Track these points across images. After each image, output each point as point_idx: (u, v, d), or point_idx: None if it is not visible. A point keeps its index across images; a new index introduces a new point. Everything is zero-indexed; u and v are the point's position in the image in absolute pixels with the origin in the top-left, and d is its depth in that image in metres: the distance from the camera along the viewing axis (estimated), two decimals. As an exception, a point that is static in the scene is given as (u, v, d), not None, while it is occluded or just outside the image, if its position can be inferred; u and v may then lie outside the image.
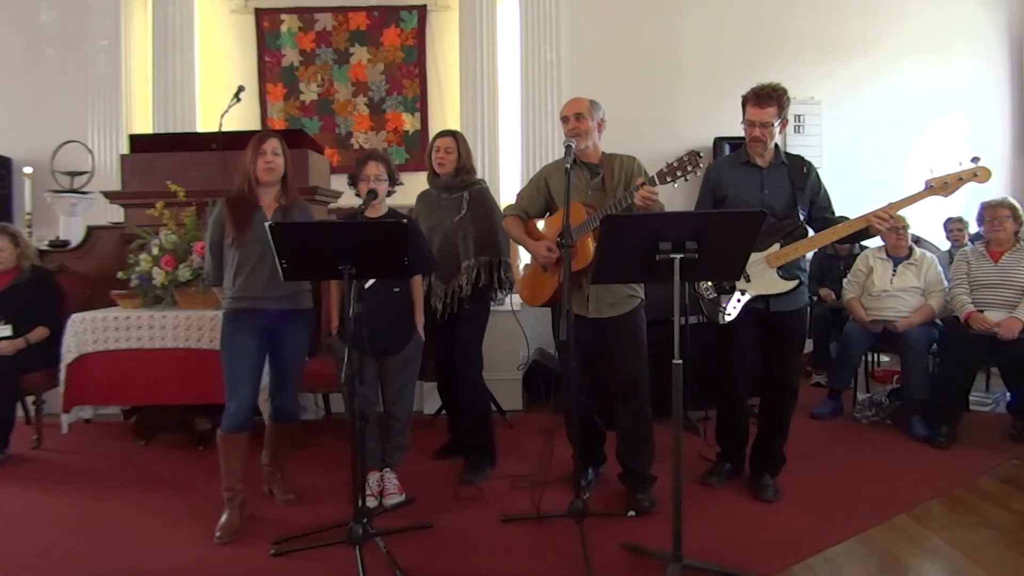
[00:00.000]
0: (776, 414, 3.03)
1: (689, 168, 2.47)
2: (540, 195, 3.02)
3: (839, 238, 2.82)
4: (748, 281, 2.82)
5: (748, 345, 2.97)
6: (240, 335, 2.72)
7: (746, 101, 2.88)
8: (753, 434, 3.15)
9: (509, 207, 3.10)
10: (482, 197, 3.33)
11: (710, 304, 2.92)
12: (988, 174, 2.59)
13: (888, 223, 2.69)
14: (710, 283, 2.89)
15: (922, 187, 2.68)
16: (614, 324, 2.86)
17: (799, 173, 2.92)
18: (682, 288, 2.29)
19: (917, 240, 4.82)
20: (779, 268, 2.84)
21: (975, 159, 2.61)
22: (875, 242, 4.39)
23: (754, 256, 2.75)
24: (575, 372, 2.67)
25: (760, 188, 2.90)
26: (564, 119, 2.91)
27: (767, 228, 2.72)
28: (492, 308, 3.42)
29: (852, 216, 2.80)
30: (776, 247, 2.84)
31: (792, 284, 2.85)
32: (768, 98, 2.81)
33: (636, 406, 2.89)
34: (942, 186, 2.64)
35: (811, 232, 2.93)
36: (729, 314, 2.85)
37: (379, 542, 2.46)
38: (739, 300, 2.85)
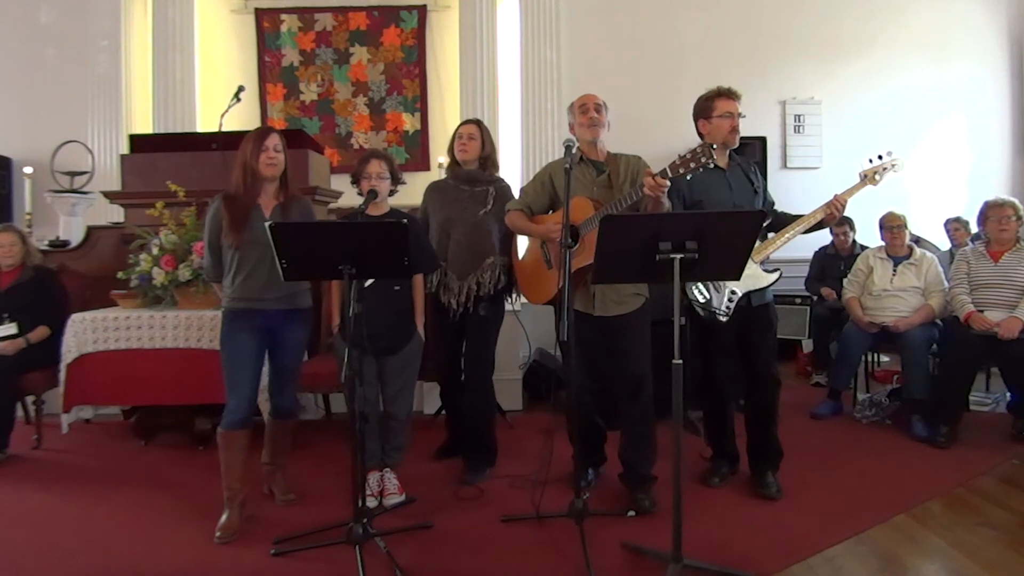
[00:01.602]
0: (766, 407, 3.06)
1: (703, 159, 2.41)
2: (545, 192, 3.00)
3: (805, 229, 2.97)
4: (736, 279, 2.86)
5: (732, 343, 3.03)
6: (239, 334, 2.72)
7: (714, 97, 2.96)
8: (741, 433, 3.17)
9: (512, 202, 3.07)
10: (507, 195, 3.25)
11: (703, 306, 2.93)
12: (902, 166, 2.95)
13: (839, 212, 2.88)
14: (700, 286, 2.91)
15: (858, 179, 2.96)
16: (620, 323, 2.86)
17: (751, 171, 3.06)
18: (681, 288, 2.29)
19: (917, 240, 4.83)
20: (760, 262, 2.94)
21: (889, 152, 2.94)
22: (875, 242, 4.40)
23: None
24: (577, 371, 2.67)
25: (728, 189, 2.96)
26: (583, 108, 2.90)
27: None
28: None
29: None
30: (756, 243, 2.89)
31: (775, 276, 2.96)
32: (734, 93, 2.97)
33: (641, 406, 2.88)
34: (872, 176, 2.93)
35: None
36: (725, 313, 2.90)
37: (379, 542, 2.46)
38: (730, 299, 2.90)
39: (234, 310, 2.75)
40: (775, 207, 3.12)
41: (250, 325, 2.73)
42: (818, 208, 2.90)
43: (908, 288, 4.09)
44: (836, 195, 2.88)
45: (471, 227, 3.18)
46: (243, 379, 2.70)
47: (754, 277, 2.90)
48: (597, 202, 2.80)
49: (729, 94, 2.95)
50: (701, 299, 2.91)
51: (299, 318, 2.87)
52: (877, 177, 2.93)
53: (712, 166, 2.49)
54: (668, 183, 2.50)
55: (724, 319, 2.90)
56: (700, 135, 3.03)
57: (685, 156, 2.45)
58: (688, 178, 2.50)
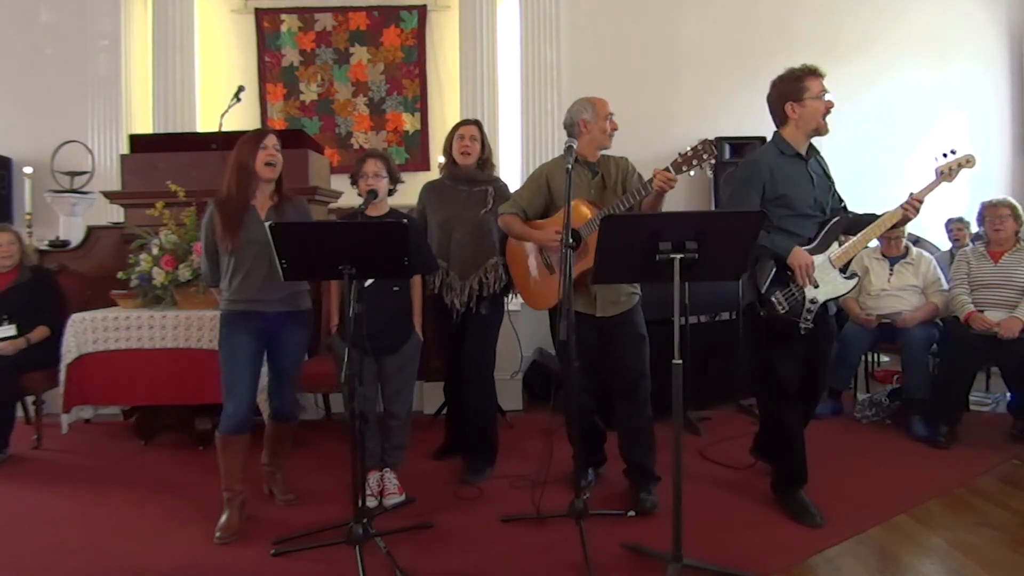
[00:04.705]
0: (808, 416, 2.99)
1: (704, 156, 2.44)
2: (540, 195, 2.96)
3: (883, 231, 2.81)
4: (817, 287, 2.70)
5: (802, 351, 2.80)
6: (238, 336, 2.70)
7: (804, 76, 2.69)
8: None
9: (505, 206, 3.00)
10: (506, 194, 3.23)
11: (784, 317, 2.70)
12: (974, 161, 2.73)
13: (915, 212, 2.72)
14: (781, 297, 2.70)
15: (934, 176, 2.74)
16: (618, 322, 2.87)
17: (823, 161, 2.89)
18: (681, 288, 2.28)
19: (916, 240, 4.82)
20: (841, 268, 2.76)
21: (953, 150, 2.74)
22: (872, 242, 4.39)
23: (818, 259, 2.70)
24: (578, 372, 2.67)
25: (810, 182, 2.75)
26: (609, 116, 2.88)
27: (828, 227, 2.74)
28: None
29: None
30: (835, 246, 2.76)
31: (854, 283, 2.79)
32: (822, 72, 2.72)
33: (639, 403, 2.89)
34: (948, 172, 2.71)
35: None
36: (806, 327, 2.70)
37: (379, 542, 2.46)
38: (810, 309, 2.70)
39: (233, 312, 2.73)
40: (845, 206, 2.94)
41: (248, 327, 2.71)
42: (895, 209, 2.73)
43: (907, 287, 4.09)
44: (912, 194, 2.70)
45: (473, 227, 3.18)
46: (241, 383, 2.68)
47: (833, 284, 2.73)
48: (594, 204, 2.80)
49: (818, 73, 2.69)
50: (780, 310, 2.70)
51: (299, 320, 2.86)
52: (953, 173, 2.71)
53: (714, 163, 2.49)
54: (676, 179, 2.52)
55: (804, 329, 2.69)
56: (779, 120, 2.78)
57: (687, 153, 2.48)
58: (698, 170, 2.49)
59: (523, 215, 2.96)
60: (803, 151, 2.77)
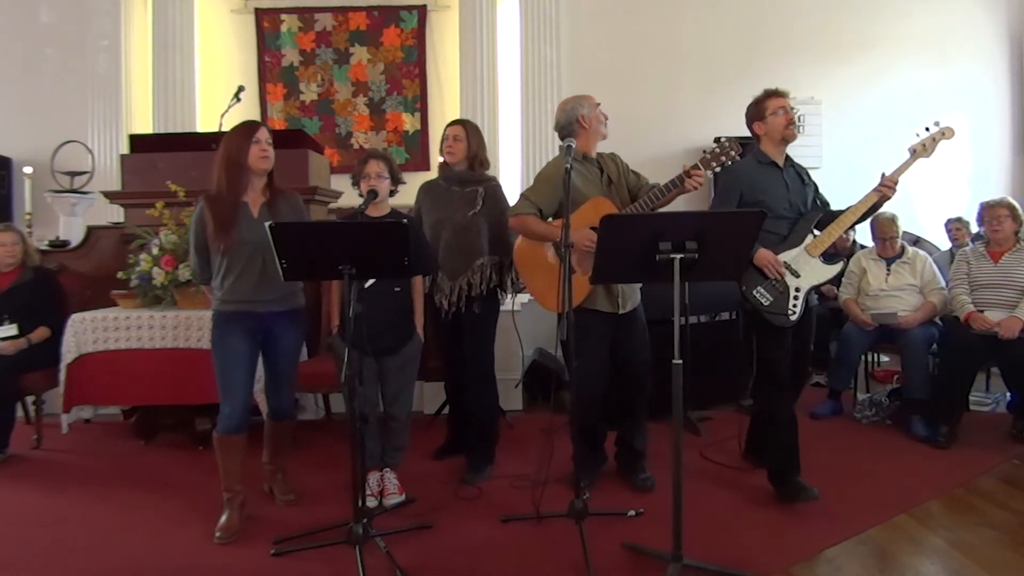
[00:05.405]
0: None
1: (732, 152, 2.63)
2: (558, 194, 2.83)
3: (859, 217, 2.92)
4: (798, 277, 2.85)
5: (791, 343, 2.91)
6: (231, 338, 2.67)
7: (764, 99, 2.94)
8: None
9: (520, 206, 2.92)
10: (497, 194, 3.23)
11: (768, 309, 2.82)
12: (952, 131, 2.91)
13: (891, 192, 2.85)
14: (763, 290, 2.82)
15: (908, 155, 2.90)
16: (633, 315, 2.99)
17: (804, 171, 3.05)
18: (681, 288, 2.28)
19: (916, 240, 4.82)
20: (821, 255, 2.90)
21: (936, 123, 2.89)
22: (868, 243, 4.40)
23: (792, 252, 2.86)
24: (595, 373, 2.71)
25: (786, 188, 2.93)
26: (601, 110, 2.99)
27: (799, 224, 2.91)
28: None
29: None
30: (810, 237, 2.90)
31: (839, 266, 2.95)
32: (783, 91, 2.95)
33: (647, 393, 3.02)
34: (923, 148, 2.89)
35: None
36: (794, 314, 2.82)
37: (379, 542, 2.46)
38: (796, 298, 2.83)
39: (225, 312, 2.70)
40: (829, 207, 3.06)
41: (242, 328, 2.68)
42: (868, 193, 2.86)
43: (905, 287, 4.09)
44: (885, 175, 2.83)
45: (461, 228, 3.17)
46: (236, 385, 2.66)
47: (814, 271, 2.87)
48: (604, 199, 2.83)
49: (778, 92, 2.95)
50: (765, 302, 2.82)
51: (293, 318, 2.83)
52: (927, 149, 2.87)
53: (737, 158, 2.62)
54: (704, 175, 2.70)
55: (793, 319, 2.82)
56: (756, 137, 3.00)
57: (715, 151, 2.66)
58: (717, 170, 2.67)
59: (539, 215, 2.92)
60: (779, 161, 2.96)
